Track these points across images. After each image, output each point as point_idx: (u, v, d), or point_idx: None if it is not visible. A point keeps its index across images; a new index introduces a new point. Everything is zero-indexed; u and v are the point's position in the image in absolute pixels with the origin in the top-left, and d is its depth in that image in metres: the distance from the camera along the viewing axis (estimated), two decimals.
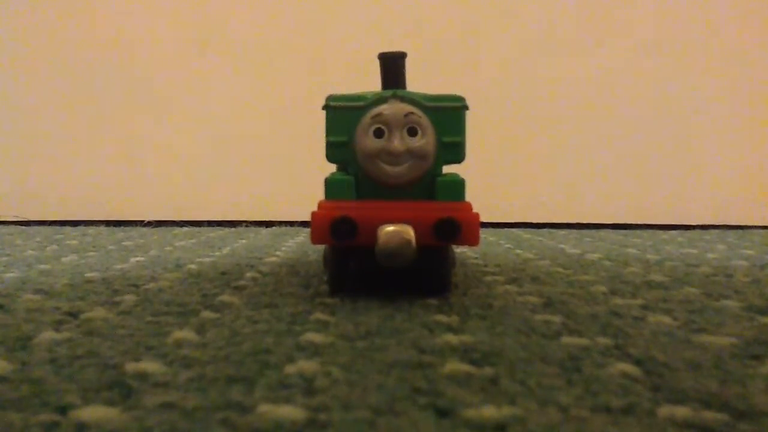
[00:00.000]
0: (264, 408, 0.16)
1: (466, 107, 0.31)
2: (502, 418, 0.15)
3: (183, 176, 0.81)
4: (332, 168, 0.34)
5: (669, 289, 0.34)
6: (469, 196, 0.30)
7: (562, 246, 0.56)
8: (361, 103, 0.30)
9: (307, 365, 0.19)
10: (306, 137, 0.63)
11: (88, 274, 0.37)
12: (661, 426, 0.15)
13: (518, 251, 0.51)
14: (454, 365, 0.19)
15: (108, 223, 0.79)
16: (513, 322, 0.25)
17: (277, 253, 0.49)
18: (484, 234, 0.64)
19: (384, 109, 0.30)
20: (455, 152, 0.31)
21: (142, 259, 0.45)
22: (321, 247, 0.47)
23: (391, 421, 0.15)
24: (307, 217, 0.29)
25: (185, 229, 0.74)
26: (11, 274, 0.37)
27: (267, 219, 0.80)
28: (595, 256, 0.48)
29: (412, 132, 0.30)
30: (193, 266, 0.41)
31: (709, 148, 0.80)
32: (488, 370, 0.19)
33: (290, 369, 0.19)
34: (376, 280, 0.32)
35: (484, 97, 0.76)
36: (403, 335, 0.23)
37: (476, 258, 0.46)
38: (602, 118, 0.80)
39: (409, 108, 0.30)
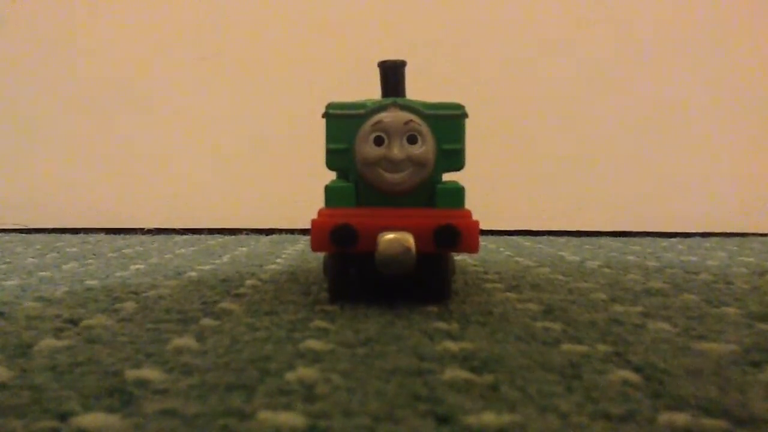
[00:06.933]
0: (264, 415, 0.16)
1: (465, 115, 0.31)
2: (502, 425, 0.15)
3: (183, 184, 0.81)
4: (332, 175, 0.34)
5: (669, 296, 0.34)
6: (469, 203, 0.30)
7: (562, 253, 0.56)
8: (361, 111, 0.31)
9: (307, 372, 0.19)
10: (306, 145, 0.63)
11: (88, 282, 0.37)
12: None
13: (518, 258, 0.51)
14: (454, 372, 0.19)
15: (108, 231, 0.79)
16: (513, 329, 0.25)
17: (277, 260, 0.49)
18: (483, 241, 0.64)
19: (384, 117, 0.30)
20: (455, 160, 0.31)
21: (142, 266, 0.45)
22: (321, 255, 0.47)
23: (391, 428, 0.15)
24: (307, 225, 0.29)
25: (185, 236, 0.74)
26: (11, 282, 0.37)
27: (267, 227, 0.80)
28: (595, 263, 0.48)
29: (412, 140, 0.30)
30: (193, 274, 0.41)
31: (709, 155, 0.81)
32: (488, 377, 0.19)
33: (290, 376, 0.19)
34: (376, 287, 0.32)
35: (483, 105, 0.76)
36: (403, 342, 0.23)
37: (476, 265, 0.46)
38: (602, 125, 0.80)
39: (408, 116, 0.30)
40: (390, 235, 0.28)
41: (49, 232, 0.79)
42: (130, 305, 0.30)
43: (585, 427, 0.15)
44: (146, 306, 0.30)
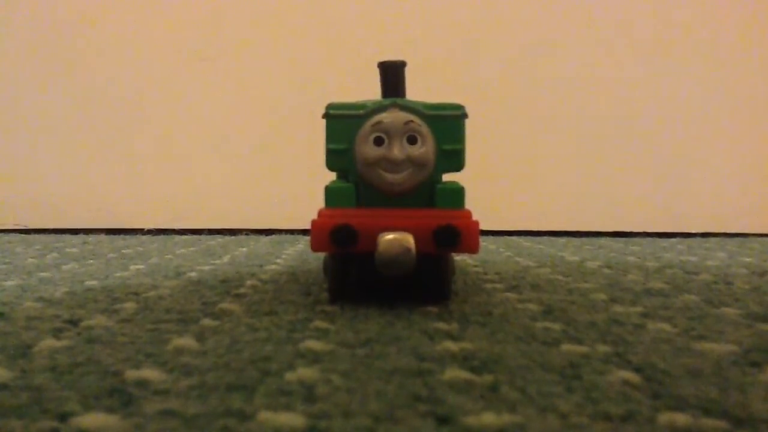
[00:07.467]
0: (264, 415, 0.16)
1: (465, 115, 0.31)
2: (502, 426, 0.15)
3: (183, 184, 0.81)
4: (332, 176, 0.34)
5: (669, 296, 0.34)
6: (469, 203, 0.30)
7: (562, 254, 0.56)
8: (361, 112, 0.31)
9: (307, 372, 0.19)
10: (306, 145, 0.64)
11: (88, 282, 0.37)
12: None
13: (518, 259, 0.51)
14: (454, 372, 0.19)
15: (108, 231, 0.79)
16: (513, 330, 0.25)
17: (277, 260, 0.49)
18: (483, 242, 0.64)
19: (384, 117, 0.30)
20: (455, 160, 0.31)
21: (142, 266, 0.45)
22: (321, 255, 0.47)
23: (391, 428, 0.15)
24: (307, 225, 0.29)
25: (185, 237, 0.74)
26: (11, 282, 0.37)
27: (267, 227, 0.80)
28: (595, 263, 0.48)
29: (412, 140, 0.30)
30: (193, 274, 0.41)
31: (709, 155, 0.81)
32: (488, 378, 0.19)
33: (290, 376, 0.19)
34: (376, 287, 0.32)
35: (483, 105, 0.76)
36: (403, 342, 0.23)
37: (476, 266, 0.46)
38: (602, 126, 0.80)
39: (408, 116, 0.30)
40: (390, 236, 0.28)
41: (49, 232, 0.79)
42: (130, 305, 0.30)
43: (585, 428, 0.15)
44: (146, 306, 0.30)
